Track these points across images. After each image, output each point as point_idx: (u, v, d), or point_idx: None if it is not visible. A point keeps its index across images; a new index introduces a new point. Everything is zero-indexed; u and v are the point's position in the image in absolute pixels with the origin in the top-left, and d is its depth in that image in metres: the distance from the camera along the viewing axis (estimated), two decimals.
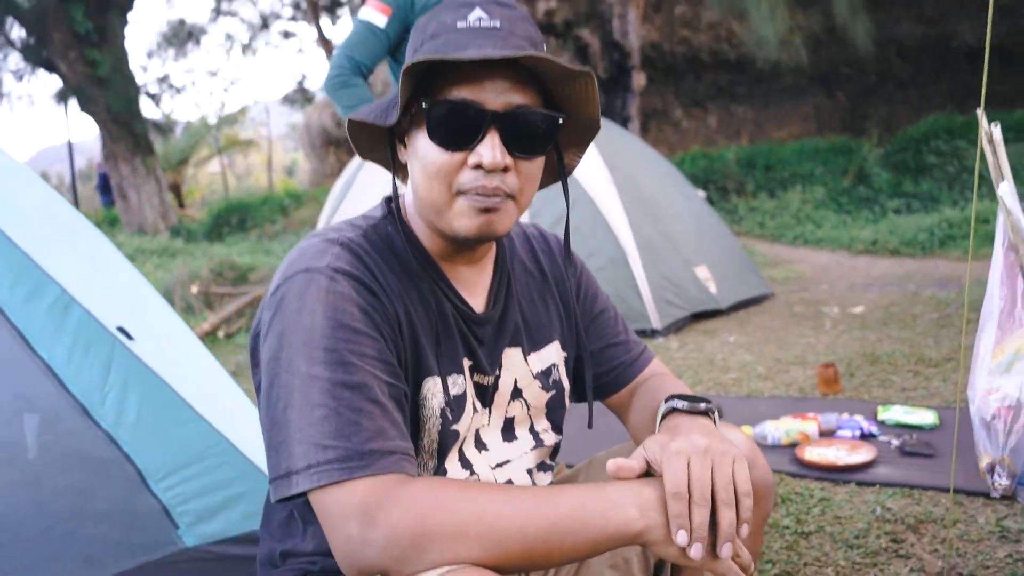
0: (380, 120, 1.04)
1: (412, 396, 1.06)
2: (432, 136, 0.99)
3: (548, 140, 1.03)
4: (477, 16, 1.00)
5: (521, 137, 1.00)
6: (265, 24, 23.44)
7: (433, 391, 1.07)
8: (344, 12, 22.15)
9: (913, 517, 2.12)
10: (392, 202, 1.12)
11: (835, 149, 12.27)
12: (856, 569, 1.90)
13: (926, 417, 2.82)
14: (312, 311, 0.96)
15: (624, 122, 11.03)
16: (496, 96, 0.98)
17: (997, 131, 1.41)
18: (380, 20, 2.46)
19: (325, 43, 19.73)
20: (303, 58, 37.51)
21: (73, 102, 14.38)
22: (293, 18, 23.69)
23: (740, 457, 0.92)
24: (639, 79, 10.31)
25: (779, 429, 2.76)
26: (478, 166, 0.98)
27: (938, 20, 14.92)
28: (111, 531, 1.89)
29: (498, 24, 1.00)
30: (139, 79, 17.28)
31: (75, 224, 1.91)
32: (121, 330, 1.73)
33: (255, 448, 1.85)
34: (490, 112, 0.97)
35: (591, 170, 5.16)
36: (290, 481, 0.91)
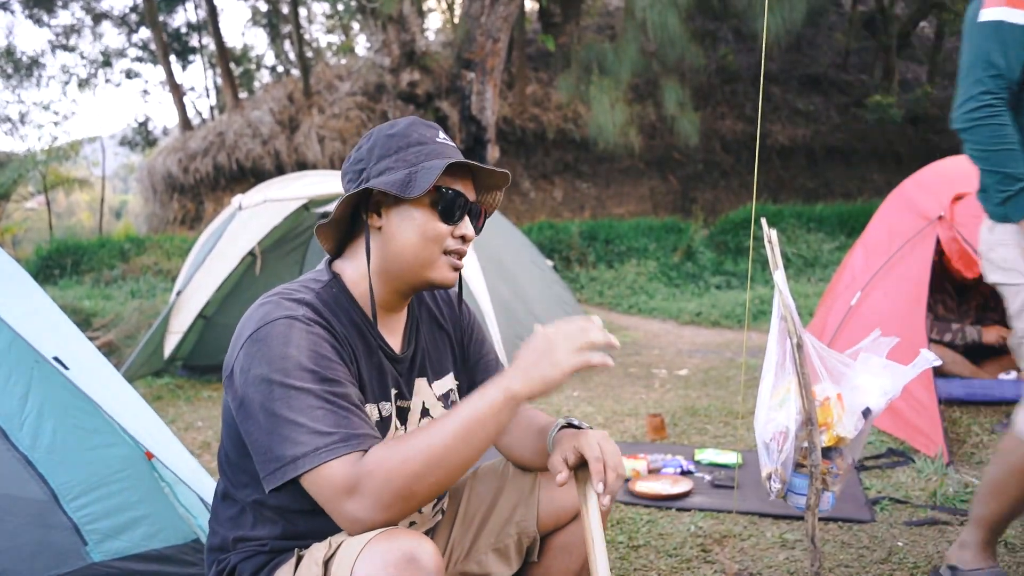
0: (401, 192, 1.35)
1: None
2: (442, 215, 1.40)
3: (483, 220, 1.51)
4: (442, 136, 1.46)
5: (476, 218, 1.48)
6: (107, 61, 22.50)
7: (371, 413, 1.42)
8: (196, 58, 21.70)
9: (719, 533, 2.63)
10: (331, 266, 1.49)
11: (667, 228, 13.40)
12: (674, 571, 2.36)
13: (732, 458, 3.39)
14: (298, 346, 1.29)
15: None
16: (468, 191, 1.44)
17: (774, 234, 1.96)
18: (1018, 17, 1.87)
19: (175, 87, 19.21)
20: (147, 100, 35.12)
21: None
22: (139, 58, 22.89)
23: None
24: (494, 152, 10.98)
25: None
26: (462, 236, 1.42)
27: (754, 119, 16.79)
28: (25, 545, 2.04)
29: (452, 143, 1.47)
30: None
31: (11, 268, 2.09)
32: (57, 360, 1.92)
33: (171, 459, 2.06)
34: (470, 202, 1.44)
35: None
36: (296, 464, 1.21)
